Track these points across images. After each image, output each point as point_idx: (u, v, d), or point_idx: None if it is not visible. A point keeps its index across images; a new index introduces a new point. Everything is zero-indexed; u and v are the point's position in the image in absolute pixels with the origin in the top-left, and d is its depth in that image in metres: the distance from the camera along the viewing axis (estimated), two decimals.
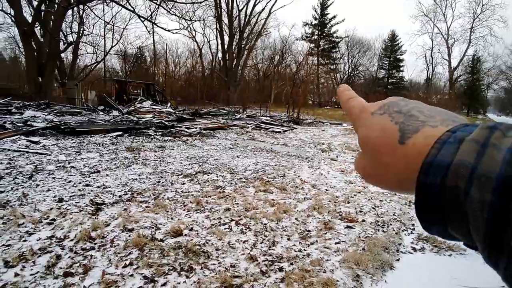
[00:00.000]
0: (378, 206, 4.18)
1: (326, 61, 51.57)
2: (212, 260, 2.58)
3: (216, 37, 38.25)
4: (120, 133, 9.58)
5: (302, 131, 13.72)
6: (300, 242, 2.99)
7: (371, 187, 5.15)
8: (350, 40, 51.43)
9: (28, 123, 9.99)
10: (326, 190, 4.82)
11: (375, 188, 5.07)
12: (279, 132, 12.70)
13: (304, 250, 2.85)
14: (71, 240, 2.85)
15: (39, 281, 2.25)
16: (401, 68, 51.97)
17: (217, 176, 5.36)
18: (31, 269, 2.39)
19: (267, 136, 11.47)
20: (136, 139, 8.98)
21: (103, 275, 2.31)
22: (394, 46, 51.23)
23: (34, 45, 20.31)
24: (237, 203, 3.99)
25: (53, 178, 4.86)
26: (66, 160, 6.04)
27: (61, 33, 23.17)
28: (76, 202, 3.85)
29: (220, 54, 38.96)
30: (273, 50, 44.82)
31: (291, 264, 2.59)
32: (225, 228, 3.22)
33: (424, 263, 2.89)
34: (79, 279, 2.28)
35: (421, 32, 52.06)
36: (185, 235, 3.04)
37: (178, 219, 3.43)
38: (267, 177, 5.39)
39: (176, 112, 17.70)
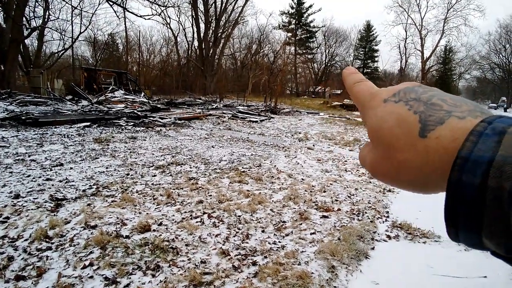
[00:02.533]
0: (353, 195, 4.16)
1: (304, 51, 51.67)
2: (181, 256, 2.42)
3: (192, 24, 37.14)
4: (88, 123, 9.07)
5: (280, 121, 13.66)
6: (274, 234, 2.89)
7: (347, 175, 5.14)
8: (327, 30, 51.79)
9: None
10: (302, 179, 4.75)
11: (350, 177, 5.06)
12: (256, 121, 12.56)
13: (279, 242, 2.75)
14: (26, 240, 2.60)
15: None
16: (376, 59, 53.13)
17: (191, 167, 5.16)
18: None
19: (244, 126, 11.31)
20: (105, 130, 8.53)
21: (59, 277, 2.10)
22: (369, 36, 52.08)
23: None
24: (211, 195, 3.83)
25: (10, 172, 4.48)
26: (26, 153, 5.61)
27: (24, 18, 21.63)
28: (34, 198, 3.55)
29: (196, 43, 37.95)
30: (251, 39, 44.33)
31: (265, 257, 2.47)
32: (196, 222, 3.06)
33: (399, 251, 2.87)
34: (32, 283, 2.06)
35: (395, 23, 52.96)
36: (154, 230, 2.85)
37: (147, 213, 3.23)
38: (242, 168, 5.25)
39: (150, 102, 17.10)
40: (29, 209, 3.23)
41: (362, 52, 52.73)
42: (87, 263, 2.26)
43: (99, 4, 28.82)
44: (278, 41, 43.81)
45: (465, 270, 2.63)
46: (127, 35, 35.16)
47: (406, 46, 52.13)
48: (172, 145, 6.98)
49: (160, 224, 2.98)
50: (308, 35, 50.86)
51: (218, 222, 3.07)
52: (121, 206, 3.36)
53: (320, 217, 3.32)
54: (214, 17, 35.83)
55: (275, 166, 5.47)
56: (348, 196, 4.07)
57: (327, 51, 53.07)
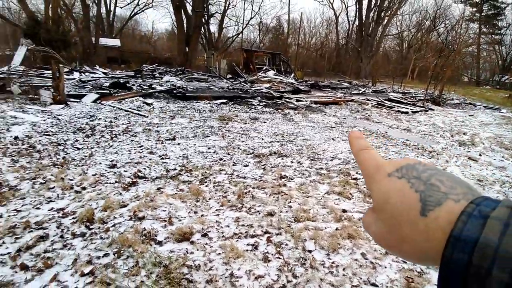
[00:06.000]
0: None
1: (490, 30, 39.82)
2: None
3: (356, 1, 34.38)
4: (225, 100, 9.50)
5: (440, 114, 10.70)
6: None
7: None
8: None
9: (153, 86, 11.09)
10: None
11: None
12: (406, 112, 10.23)
13: None
14: (73, 218, 2.49)
15: None
16: None
17: (292, 162, 4.32)
18: (7, 247, 2.07)
19: (387, 117, 9.36)
20: (236, 108, 8.67)
21: (51, 281, 1.78)
22: None
23: (184, 19, 23.02)
24: (290, 206, 2.92)
25: (131, 140, 4.86)
26: (157, 123, 6.13)
27: (206, 7, 25.41)
28: (124, 171, 3.59)
29: (357, 22, 35.15)
30: (423, 15, 37.46)
31: None
32: (246, 245, 2.26)
33: None
34: (27, 277, 1.81)
35: None
36: (191, 242, 2.25)
37: (202, 215, 2.67)
38: (356, 172, 4.01)
39: (296, 83, 16.88)
40: (107, 183, 3.23)
41: None
42: (88, 270, 1.87)
43: None
44: (457, 18, 35.18)
45: None
46: (289, 18, 36.17)
47: None
48: (289, 131, 6.27)
49: (205, 235, 2.35)
50: (495, 11, 38.58)
51: (274, 255, 2.17)
52: (183, 198, 2.93)
53: None
54: None
55: None
56: None
57: None
